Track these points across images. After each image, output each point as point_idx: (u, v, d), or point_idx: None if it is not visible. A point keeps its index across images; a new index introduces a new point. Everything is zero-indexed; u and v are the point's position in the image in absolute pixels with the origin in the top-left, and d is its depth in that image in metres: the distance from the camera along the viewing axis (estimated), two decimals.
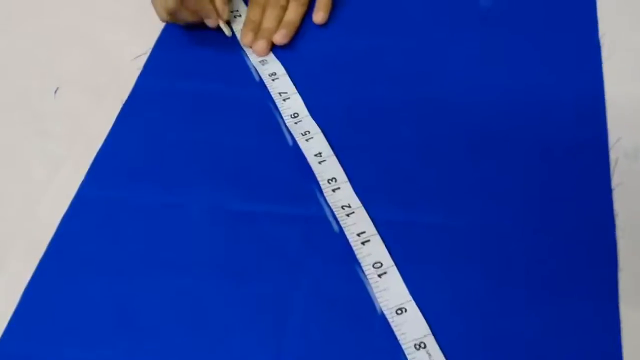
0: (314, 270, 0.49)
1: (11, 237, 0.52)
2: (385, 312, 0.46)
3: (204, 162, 0.56)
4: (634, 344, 0.44)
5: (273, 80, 0.61)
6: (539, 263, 0.48)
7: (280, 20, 0.66)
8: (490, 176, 0.53)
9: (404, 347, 0.44)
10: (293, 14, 0.66)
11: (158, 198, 0.54)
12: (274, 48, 0.64)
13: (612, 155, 0.53)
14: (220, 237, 0.51)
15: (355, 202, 0.52)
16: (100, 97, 0.62)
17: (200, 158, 0.56)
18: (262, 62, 0.63)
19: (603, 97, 0.57)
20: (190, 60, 0.64)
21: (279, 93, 0.60)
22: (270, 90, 0.60)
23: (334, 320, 0.46)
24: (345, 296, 0.47)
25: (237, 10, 0.68)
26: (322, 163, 0.54)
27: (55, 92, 0.62)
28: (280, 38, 0.64)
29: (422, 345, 0.44)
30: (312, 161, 0.55)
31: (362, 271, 0.48)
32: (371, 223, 0.50)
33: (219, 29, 0.65)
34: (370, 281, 0.47)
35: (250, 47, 0.64)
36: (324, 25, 0.67)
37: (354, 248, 0.49)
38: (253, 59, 0.64)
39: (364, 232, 0.50)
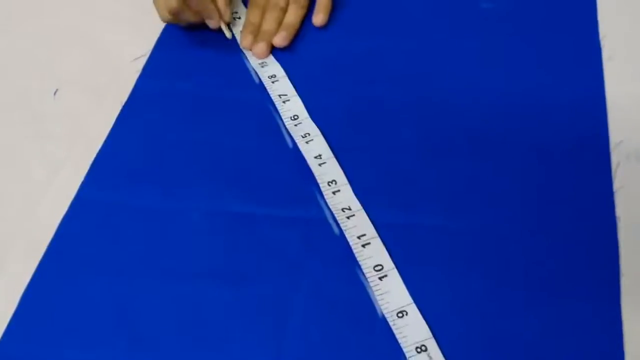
0: (315, 273, 0.49)
1: (11, 237, 0.52)
2: (386, 315, 0.46)
3: (203, 164, 0.56)
4: (637, 347, 0.43)
5: (273, 82, 0.61)
6: (541, 266, 0.48)
7: (280, 23, 0.65)
8: (491, 178, 0.53)
9: (405, 350, 0.44)
10: (293, 16, 0.66)
11: (158, 199, 0.54)
12: (273, 50, 0.64)
13: (614, 157, 0.53)
14: (220, 239, 0.51)
15: (356, 205, 0.52)
16: (100, 98, 0.61)
17: (200, 160, 0.56)
18: (262, 65, 0.63)
19: (604, 99, 0.57)
20: (190, 62, 0.64)
21: (279, 95, 0.60)
22: (270, 93, 0.60)
23: (334, 323, 0.46)
24: (345, 299, 0.47)
25: (237, 12, 0.68)
26: (322, 165, 0.54)
27: (55, 92, 0.62)
28: (280, 40, 0.64)
29: (424, 348, 0.44)
30: (312, 163, 0.54)
31: (363, 274, 0.48)
32: (372, 225, 0.50)
33: (219, 30, 0.65)
34: (371, 284, 0.47)
35: (250, 49, 0.64)
36: (324, 27, 0.67)
37: (355, 251, 0.49)
38: (253, 61, 0.64)
39: (364, 235, 0.50)
